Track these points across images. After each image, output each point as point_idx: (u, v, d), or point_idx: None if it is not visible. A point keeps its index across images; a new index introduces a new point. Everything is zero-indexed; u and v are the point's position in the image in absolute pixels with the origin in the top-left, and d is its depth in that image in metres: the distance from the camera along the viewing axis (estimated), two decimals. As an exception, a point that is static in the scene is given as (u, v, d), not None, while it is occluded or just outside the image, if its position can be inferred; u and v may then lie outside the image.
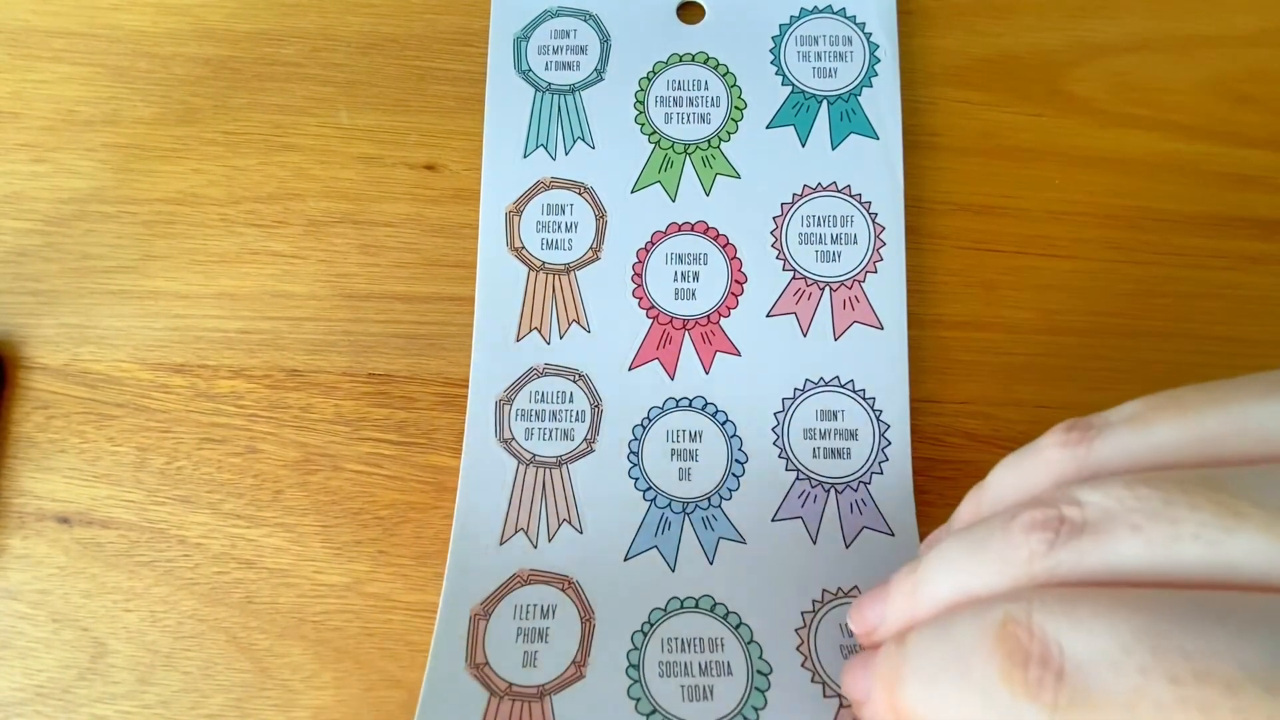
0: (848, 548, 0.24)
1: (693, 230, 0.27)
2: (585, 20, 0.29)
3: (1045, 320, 0.27)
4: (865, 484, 0.25)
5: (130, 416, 0.26)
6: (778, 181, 0.27)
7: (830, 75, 0.28)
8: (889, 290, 0.26)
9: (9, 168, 0.28)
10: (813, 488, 0.25)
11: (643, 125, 0.28)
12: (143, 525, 0.25)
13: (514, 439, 0.25)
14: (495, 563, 0.24)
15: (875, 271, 0.27)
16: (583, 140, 0.28)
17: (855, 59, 0.28)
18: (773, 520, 0.25)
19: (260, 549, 0.25)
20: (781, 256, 0.27)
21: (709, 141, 0.28)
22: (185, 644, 0.24)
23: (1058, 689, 0.13)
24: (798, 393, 0.26)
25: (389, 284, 0.27)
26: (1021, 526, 0.16)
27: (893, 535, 0.24)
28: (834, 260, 0.27)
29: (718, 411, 0.26)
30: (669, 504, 0.25)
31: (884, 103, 0.28)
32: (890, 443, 0.25)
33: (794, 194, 0.27)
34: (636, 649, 0.23)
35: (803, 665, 0.23)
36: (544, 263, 0.27)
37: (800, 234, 0.27)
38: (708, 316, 0.26)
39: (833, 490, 0.25)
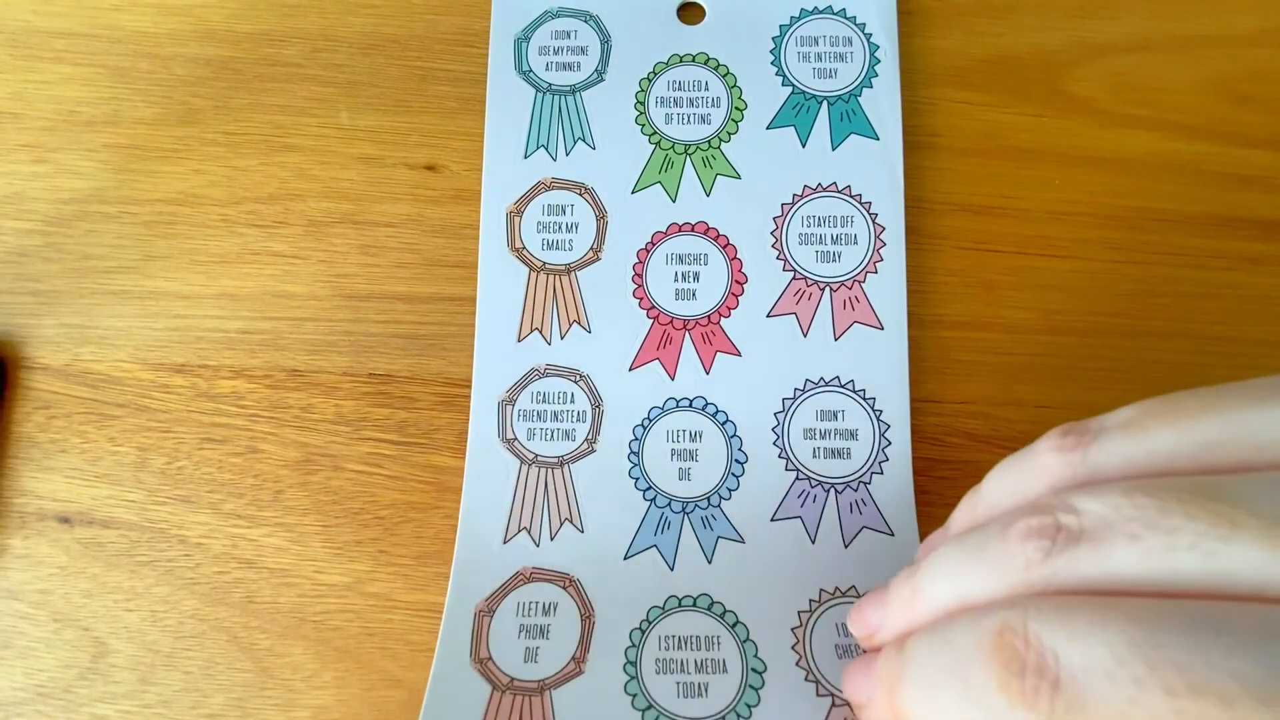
0: (847, 547, 0.24)
1: (693, 231, 0.27)
2: (586, 21, 0.29)
3: (1045, 320, 0.27)
4: (865, 484, 0.25)
5: (131, 416, 0.26)
6: (778, 182, 0.27)
7: (830, 76, 0.28)
8: (889, 290, 0.26)
9: (10, 168, 0.28)
10: (812, 488, 0.25)
11: (643, 126, 0.28)
12: (143, 525, 0.25)
13: (516, 439, 0.25)
14: (499, 561, 0.24)
15: (875, 272, 0.27)
16: (583, 141, 0.28)
17: (855, 59, 0.28)
18: (772, 520, 0.25)
19: (261, 549, 0.25)
20: (782, 257, 0.27)
21: (709, 142, 0.28)
22: (186, 644, 0.24)
23: (1053, 698, 0.13)
24: (798, 393, 0.26)
25: (389, 284, 0.27)
26: (1018, 534, 0.16)
27: (892, 535, 0.24)
28: (834, 260, 0.27)
29: (718, 411, 0.26)
30: (669, 503, 0.25)
31: (884, 103, 0.28)
32: (890, 443, 0.25)
33: (794, 194, 0.27)
34: (634, 646, 0.23)
35: (797, 664, 0.23)
36: (545, 263, 0.27)
37: (800, 234, 0.27)
38: (708, 317, 0.26)
39: (832, 490, 0.25)
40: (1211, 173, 0.28)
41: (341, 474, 0.26)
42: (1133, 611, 0.13)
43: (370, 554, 0.25)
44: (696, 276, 0.27)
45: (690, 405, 0.26)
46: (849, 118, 0.28)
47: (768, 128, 0.28)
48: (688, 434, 0.25)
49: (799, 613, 0.24)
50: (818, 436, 0.25)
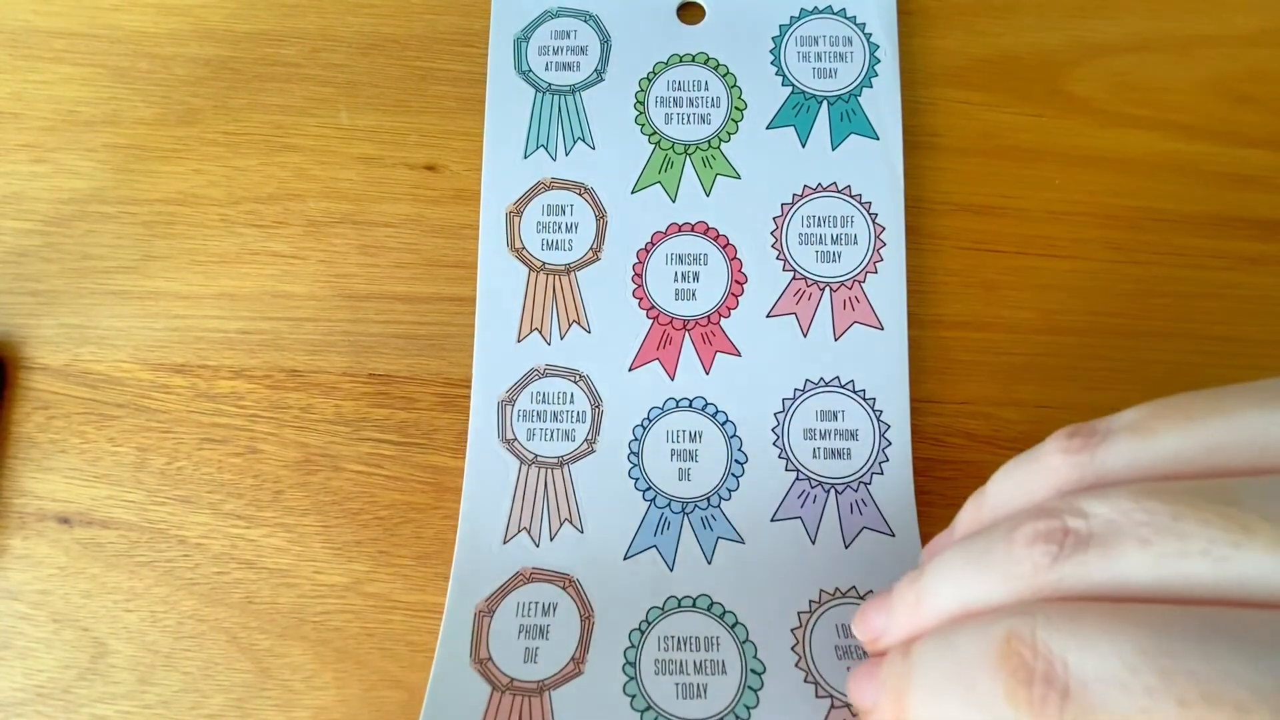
0: (847, 548, 0.24)
1: (693, 231, 0.27)
2: (585, 21, 0.29)
3: (1045, 320, 0.27)
4: (865, 484, 0.25)
5: (131, 417, 0.26)
6: (778, 182, 0.27)
7: (830, 75, 0.28)
8: (889, 290, 0.26)
9: (9, 168, 0.28)
10: (812, 488, 0.25)
11: (643, 126, 0.28)
12: (143, 525, 0.25)
13: (516, 439, 0.25)
14: (499, 561, 0.24)
15: (875, 272, 0.27)
16: (583, 141, 0.28)
17: (855, 59, 0.28)
18: (772, 520, 0.25)
19: (260, 549, 0.25)
20: (782, 257, 0.27)
21: (709, 142, 0.28)
22: (185, 644, 0.24)
23: (1062, 708, 0.13)
24: (798, 393, 0.26)
25: (389, 284, 0.27)
26: (1024, 538, 0.15)
27: (893, 536, 0.24)
28: (834, 260, 0.27)
29: (718, 412, 0.26)
30: (668, 504, 0.25)
31: (884, 103, 0.28)
32: (890, 443, 0.25)
33: (794, 194, 0.27)
34: (634, 646, 0.23)
35: (796, 665, 0.23)
36: (544, 263, 0.27)
37: (800, 234, 0.27)
38: (708, 317, 0.26)
39: (833, 490, 0.25)
40: (1211, 173, 0.28)
41: (341, 474, 0.26)
42: (1144, 618, 0.13)
43: (370, 554, 0.25)
44: (696, 276, 0.27)
45: (690, 405, 0.26)
46: (849, 117, 0.28)
47: (768, 127, 0.28)
48: (687, 434, 0.25)
49: (799, 613, 0.24)
50: (818, 437, 0.25)
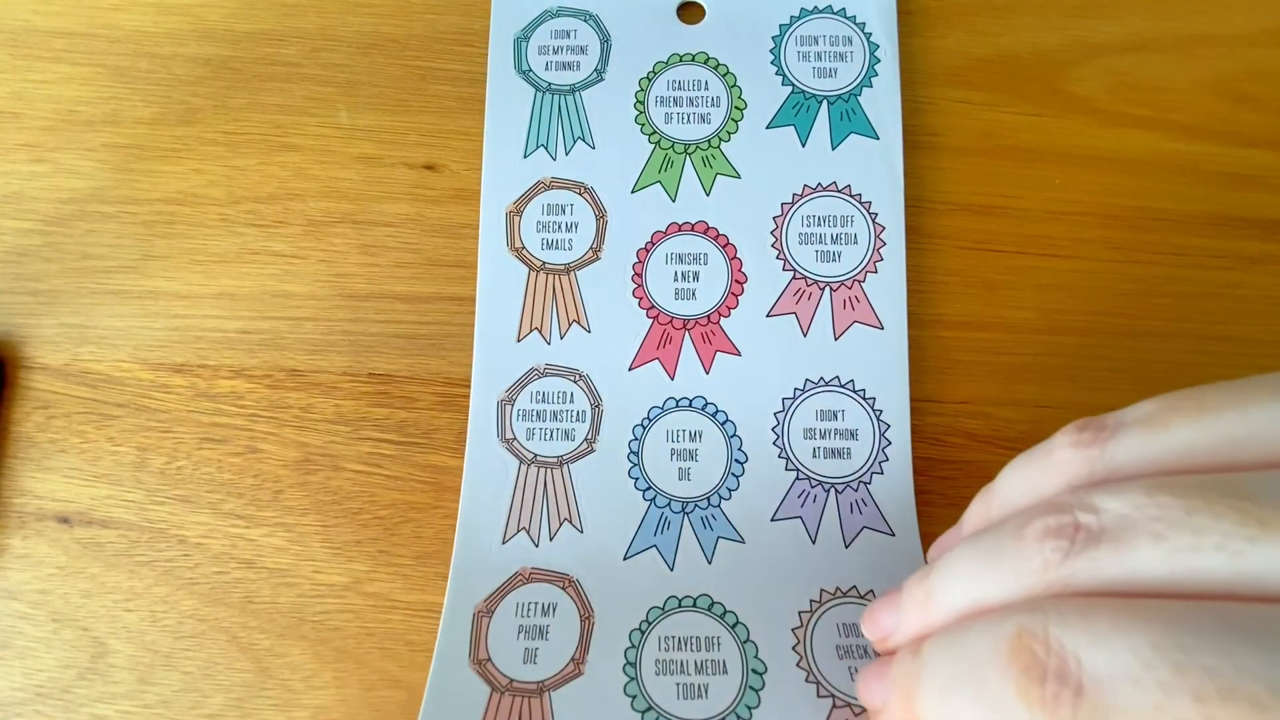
0: (847, 547, 0.24)
1: (693, 230, 0.27)
2: (585, 20, 0.29)
3: (1045, 320, 0.27)
4: (865, 484, 0.25)
5: (130, 416, 0.26)
6: (778, 181, 0.27)
7: (830, 75, 0.28)
8: (889, 290, 0.26)
9: (9, 168, 0.28)
10: (812, 487, 0.25)
11: (643, 125, 0.28)
12: (143, 525, 0.25)
13: (516, 439, 0.25)
14: (498, 561, 0.24)
15: (875, 271, 0.27)
16: (583, 140, 0.28)
17: (855, 59, 0.28)
18: (772, 520, 0.25)
19: (260, 549, 0.25)
20: (781, 256, 0.27)
21: (709, 141, 0.28)
22: (185, 644, 0.24)
23: (1076, 705, 0.13)
24: (798, 392, 0.26)
25: (389, 284, 0.27)
26: (1035, 534, 0.15)
27: (893, 535, 0.24)
28: (834, 260, 0.27)
29: (718, 411, 0.26)
30: (668, 503, 0.25)
31: (884, 103, 0.28)
32: (890, 443, 0.25)
33: (794, 194, 0.27)
34: (634, 647, 0.23)
35: (798, 665, 0.23)
36: (544, 263, 0.27)
37: (800, 234, 0.27)
38: (708, 316, 0.26)
39: (833, 490, 0.25)
40: (1211, 173, 0.28)
41: (341, 474, 0.26)
42: (1158, 614, 0.13)
43: (370, 554, 0.25)
44: (696, 276, 0.27)
45: (690, 405, 0.26)
46: (849, 117, 0.28)
47: (767, 127, 0.28)
48: (687, 434, 0.25)
49: (799, 613, 0.24)
50: (818, 436, 0.25)
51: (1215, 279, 0.27)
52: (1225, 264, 0.27)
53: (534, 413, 0.26)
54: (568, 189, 0.27)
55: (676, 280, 0.27)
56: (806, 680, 0.23)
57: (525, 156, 0.28)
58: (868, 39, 0.28)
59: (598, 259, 0.27)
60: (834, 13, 0.29)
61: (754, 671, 0.23)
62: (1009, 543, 0.16)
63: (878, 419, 0.25)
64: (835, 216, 0.27)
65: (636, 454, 0.25)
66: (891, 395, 0.26)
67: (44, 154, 0.28)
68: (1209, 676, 0.12)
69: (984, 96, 0.29)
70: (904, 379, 0.26)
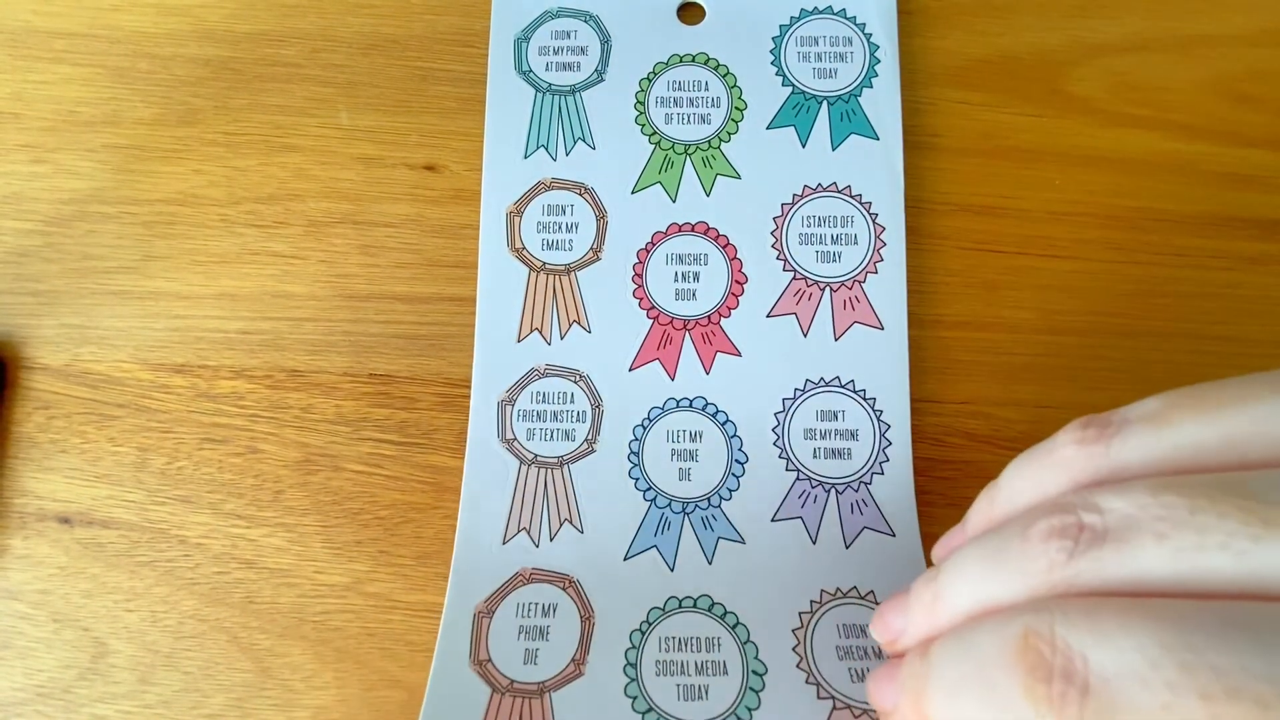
0: (848, 548, 0.24)
1: (693, 231, 0.27)
2: (585, 21, 0.29)
3: (1045, 320, 0.27)
4: (866, 484, 0.25)
5: (131, 417, 0.26)
6: (778, 182, 0.27)
7: (830, 76, 0.28)
8: (889, 290, 0.26)
9: (9, 168, 0.28)
10: (813, 488, 0.25)
11: (643, 126, 0.28)
12: (143, 525, 0.25)
13: (516, 439, 0.25)
14: (498, 561, 0.24)
15: (875, 272, 0.27)
16: (583, 141, 0.28)
17: (855, 59, 0.28)
18: (772, 520, 0.25)
19: (261, 549, 0.25)
20: (782, 257, 0.27)
21: (709, 142, 0.28)
22: (186, 644, 0.24)
23: (1082, 704, 0.13)
24: (798, 393, 0.26)
25: (389, 284, 0.27)
26: (1039, 534, 0.15)
27: (894, 536, 0.24)
28: (834, 260, 0.27)
29: (718, 412, 0.26)
30: (669, 504, 0.25)
31: (884, 103, 0.28)
32: (891, 443, 0.25)
33: (794, 194, 0.27)
34: (634, 647, 0.23)
35: (798, 666, 0.23)
36: (544, 263, 0.27)
37: (800, 234, 0.27)
38: (708, 317, 0.26)
39: (833, 490, 0.25)
40: (1211, 173, 0.28)
41: (341, 474, 0.26)
42: (1164, 613, 0.13)
43: (370, 554, 0.25)
44: (696, 276, 0.27)
45: (690, 405, 0.26)
46: (849, 118, 0.28)
47: (768, 128, 0.28)
48: (688, 434, 0.25)
49: (800, 614, 0.24)
50: (818, 437, 0.25)
51: (1215, 279, 0.27)
52: (1225, 264, 0.27)
53: (534, 413, 0.26)
54: (568, 189, 0.27)
55: (677, 281, 0.27)
56: (807, 681, 0.23)
57: (525, 157, 0.28)
58: (868, 39, 0.28)
59: (598, 259, 0.27)
60: (834, 13, 0.29)
61: (754, 673, 0.23)
62: (1014, 543, 0.16)
63: (878, 419, 0.25)
64: (835, 217, 0.27)
65: (637, 454, 0.25)
66: (892, 395, 0.26)
67: (44, 154, 0.28)
68: (1215, 676, 0.12)
69: (984, 96, 0.29)
70: (904, 379, 0.26)
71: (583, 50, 0.29)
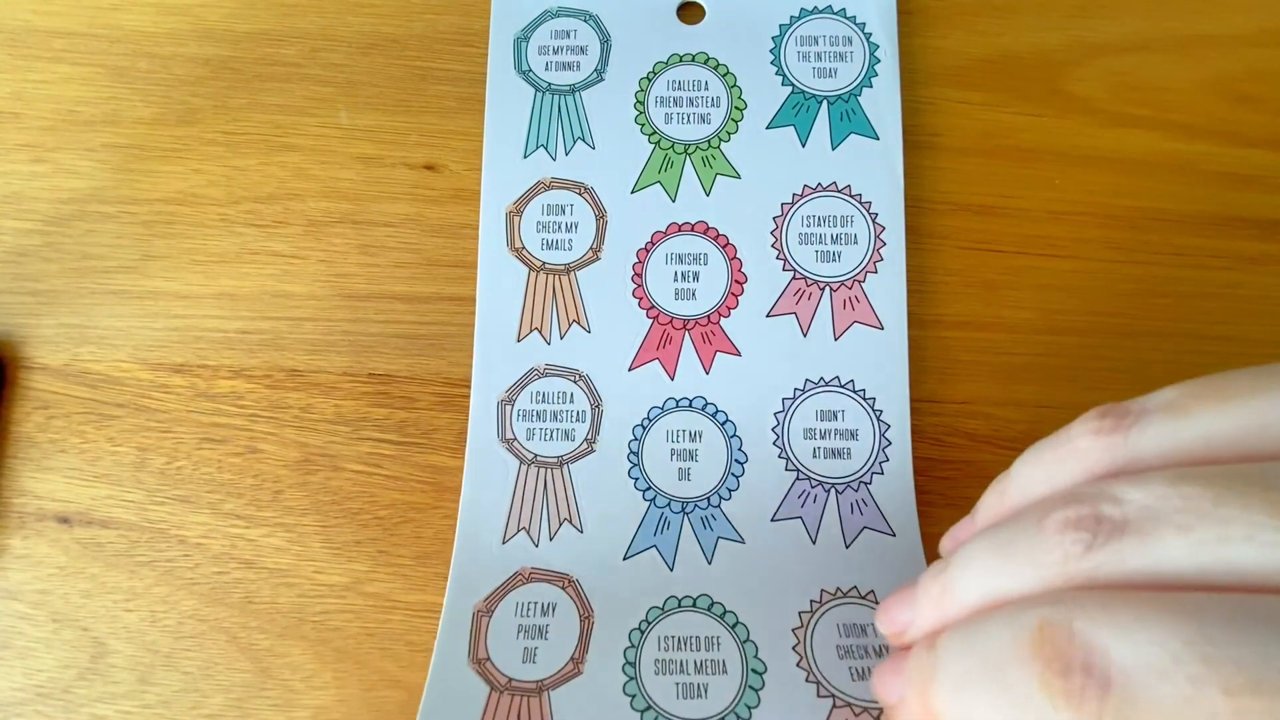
0: (848, 548, 0.24)
1: (693, 230, 0.27)
2: (585, 20, 0.29)
3: (1045, 320, 0.27)
4: (866, 484, 0.25)
5: (130, 416, 0.26)
6: (778, 181, 0.27)
7: (830, 75, 0.28)
8: (889, 290, 0.26)
9: (9, 168, 0.28)
10: (813, 488, 0.25)
11: (643, 125, 0.28)
12: (143, 525, 0.25)
13: (516, 439, 0.25)
14: (498, 561, 0.24)
15: (875, 271, 0.27)
16: (583, 140, 0.28)
17: (855, 59, 0.28)
18: (772, 520, 0.25)
19: (260, 549, 0.25)
20: (781, 256, 0.27)
21: (709, 142, 0.28)
22: (185, 644, 0.24)
23: (1103, 699, 0.13)
24: (798, 393, 0.26)
25: (389, 284, 0.27)
26: (1055, 526, 0.15)
27: (894, 535, 0.24)
28: (834, 260, 0.27)
29: (718, 411, 0.26)
30: (668, 504, 0.25)
31: (884, 103, 0.28)
32: (890, 443, 0.25)
33: (794, 194, 0.27)
34: (634, 646, 0.23)
35: (798, 665, 0.23)
36: (544, 263, 0.27)
37: (800, 234, 0.27)
38: (708, 316, 0.26)
39: (833, 490, 0.25)
40: (1211, 173, 0.28)
41: (341, 474, 0.26)
42: (1185, 606, 0.13)
43: (370, 554, 0.25)
44: (696, 276, 0.27)
45: (690, 405, 0.26)
46: (849, 117, 0.28)
47: (767, 127, 0.28)
48: (687, 434, 0.25)
49: (799, 613, 0.24)
50: (818, 436, 0.25)
51: (1215, 279, 0.27)
52: (1225, 264, 0.27)
53: (534, 413, 0.26)
54: (568, 189, 0.27)
55: (676, 280, 0.27)
56: (807, 680, 0.23)
57: (525, 157, 0.28)
58: (868, 39, 0.28)
59: (598, 259, 0.27)
60: (834, 13, 0.29)
61: (754, 671, 0.23)
62: (1027, 535, 0.15)
63: (878, 419, 0.25)
64: (835, 216, 0.27)
65: (636, 454, 0.25)
66: (892, 395, 0.26)
67: (44, 154, 0.28)
68: (1238, 669, 0.12)
69: (984, 96, 0.29)
70: (904, 379, 0.26)
71: (582, 50, 0.29)
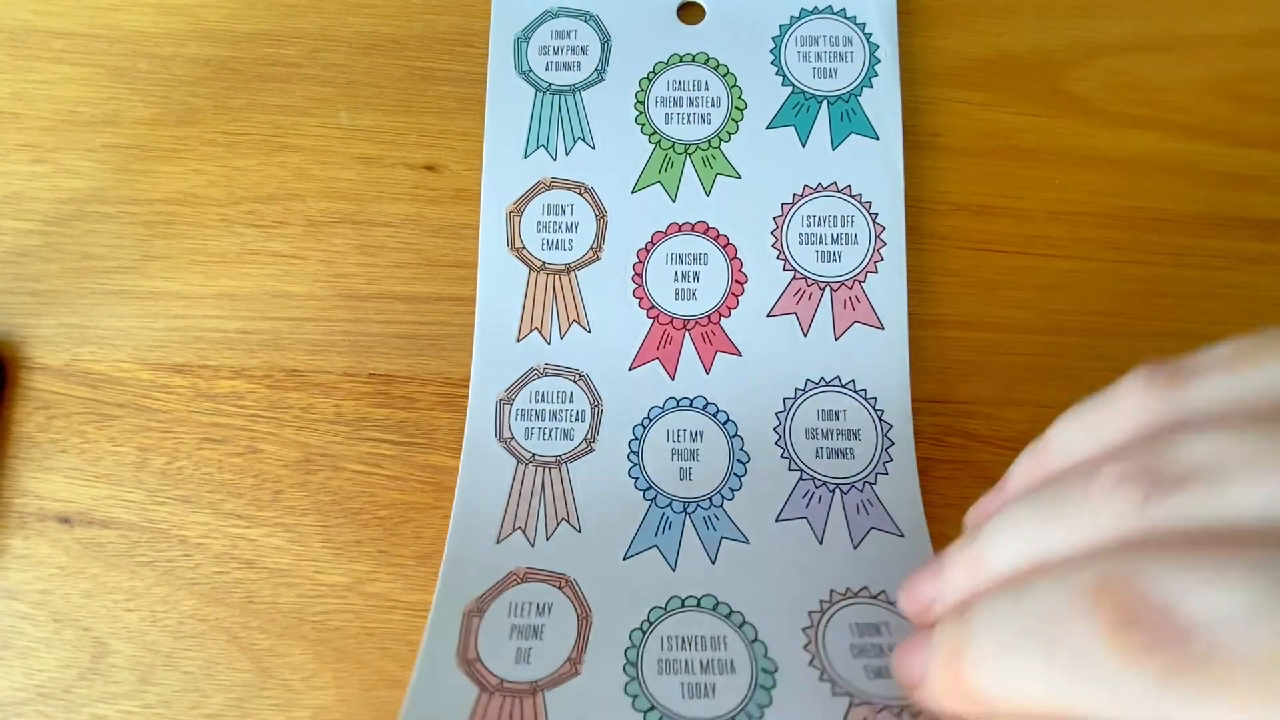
0: (856, 548, 0.24)
1: (693, 230, 0.27)
2: (585, 21, 0.29)
3: (1045, 320, 0.27)
4: (870, 484, 0.25)
5: (131, 416, 0.26)
6: (778, 182, 0.27)
7: (830, 75, 0.28)
8: (889, 290, 0.26)
9: (9, 168, 0.28)
10: (817, 488, 0.25)
11: (643, 125, 0.28)
12: (143, 525, 0.25)
13: (514, 438, 0.25)
14: (491, 560, 0.24)
15: (875, 271, 0.27)
16: (583, 140, 0.28)
17: (855, 59, 0.28)
18: (776, 520, 0.25)
19: (261, 549, 0.25)
20: (782, 256, 0.27)
21: (709, 142, 0.28)
22: (186, 644, 0.24)
23: (1177, 653, 0.12)
24: (799, 393, 0.26)
25: (389, 284, 0.27)
26: (1108, 481, 0.14)
27: (902, 536, 0.24)
28: (834, 260, 0.27)
29: (718, 411, 0.26)
30: (669, 503, 0.25)
31: (884, 103, 0.28)
32: (893, 443, 0.25)
33: (794, 194, 0.27)
34: (635, 646, 0.23)
35: (810, 664, 0.22)
36: (544, 263, 0.27)
37: (800, 234, 0.27)
38: (708, 316, 0.26)
39: (837, 490, 0.25)
40: (1211, 173, 0.28)
41: (341, 474, 0.26)
42: (1260, 557, 0.12)
43: (370, 554, 0.25)
44: (696, 276, 0.27)
45: (690, 405, 0.26)
46: (849, 117, 0.28)
47: (768, 127, 0.28)
48: (688, 434, 0.25)
49: (809, 612, 0.23)
50: (820, 436, 0.25)
51: (1215, 279, 0.27)
52: (1225, 264, 0.27)
53: (533, 412, 0.26)
54: (568, 189, 0.27)
55: (676, 280, 0.27)
56: (821, 679, 0.22)
57: (525, 157, 0.28)
58: (868, 39, 0.28)
59: (598, 259, 0.27)
60: (834, 13, 0.29)
61: (764, 670, 0.22)
62: (1075, 494, 0.15)
63: (879, 419, 0.25)
64: (835, 216, 0.27)
65: (636, 454, 0.25)
66: (893, 395, 0.26)
67: (44, 154, 0.28)
68: None
69: (984, 96, 0.29)
70: (905, 379, 0.26)
71: (583, 50, 0.29)
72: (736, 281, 0.27)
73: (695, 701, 0.22)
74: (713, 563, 0.24)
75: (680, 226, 0.27)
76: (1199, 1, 0.29)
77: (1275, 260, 0.27)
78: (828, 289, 0.26)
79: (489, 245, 0.27)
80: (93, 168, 0.28)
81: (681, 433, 0.25)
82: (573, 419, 0.26)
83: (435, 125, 0.29)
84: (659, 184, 0.27)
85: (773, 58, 0.28)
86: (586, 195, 0.27)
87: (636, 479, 0.25)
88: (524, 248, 0.27)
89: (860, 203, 0.27)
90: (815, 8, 0.29)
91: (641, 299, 0.27)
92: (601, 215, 0.27)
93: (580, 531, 0.24)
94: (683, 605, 0.23)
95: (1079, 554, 0.14)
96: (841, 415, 0.25)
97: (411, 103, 0.29)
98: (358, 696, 0.24)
